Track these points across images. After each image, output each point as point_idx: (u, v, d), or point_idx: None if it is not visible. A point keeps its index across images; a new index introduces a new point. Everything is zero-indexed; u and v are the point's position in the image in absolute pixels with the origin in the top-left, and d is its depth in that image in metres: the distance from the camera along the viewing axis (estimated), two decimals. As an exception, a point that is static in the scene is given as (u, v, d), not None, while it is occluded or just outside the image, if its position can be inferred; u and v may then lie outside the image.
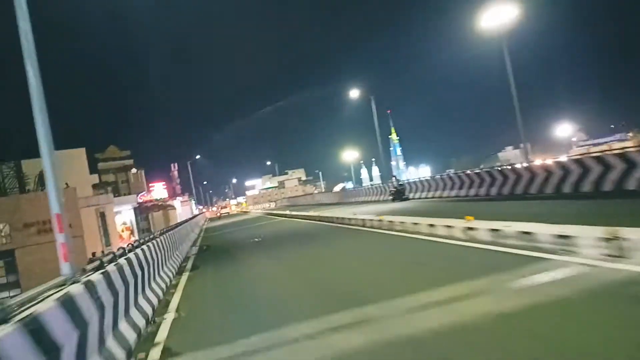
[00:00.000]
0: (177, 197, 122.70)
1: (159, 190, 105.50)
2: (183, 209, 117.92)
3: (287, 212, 34.47)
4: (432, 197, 25.53)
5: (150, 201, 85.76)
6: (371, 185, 49.49)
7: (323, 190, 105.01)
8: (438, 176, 26.57)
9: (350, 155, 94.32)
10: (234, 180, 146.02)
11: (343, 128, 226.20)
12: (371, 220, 15.70)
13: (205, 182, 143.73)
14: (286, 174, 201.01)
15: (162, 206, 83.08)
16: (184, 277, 12.64)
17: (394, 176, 31.00)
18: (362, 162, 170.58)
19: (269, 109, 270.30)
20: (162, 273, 10.98)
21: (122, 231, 65.79)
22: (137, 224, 67.47)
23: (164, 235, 14.61)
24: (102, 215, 57.00)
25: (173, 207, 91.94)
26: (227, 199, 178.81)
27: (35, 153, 9.00)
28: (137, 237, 66.03)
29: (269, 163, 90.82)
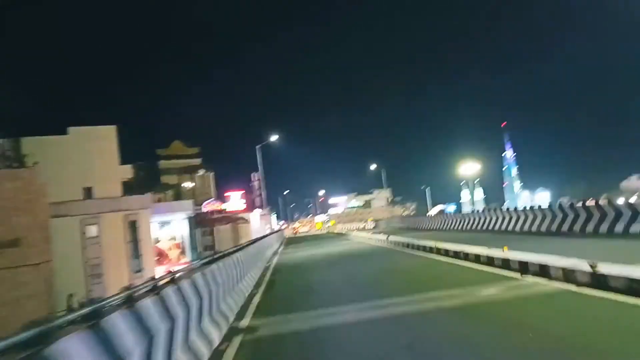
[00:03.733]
0: (256, 210, 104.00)
1: (235, 201, 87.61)
2: (262, 223, 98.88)
3: (509, 253, 11.14)
4: None
5: (219, 211, 65.96)
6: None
7: (421, 212, 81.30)
8: None
9: (467, 169, 70.33)
10: (322, 192, 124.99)
11: (439, 147, 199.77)
12: None
13: (287, 191, 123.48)
14: (371, 193, 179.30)
15: (231, 218, 63.06)
16: None
17: None
18: (462, 182, 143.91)
19: (357, 124, 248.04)
20: None
21: (169, 249, 46.40)
22: (193, 239, 47.78)
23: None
24: (133, 226, 37.25)
25: (245, 221, 72.11)
26: (311, 215, 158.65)
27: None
28: (189, 258, 45.77)
29: (373, 166, 69.87)
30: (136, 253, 36.59)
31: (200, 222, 60.34)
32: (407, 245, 18.95)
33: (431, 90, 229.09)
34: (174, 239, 45.75)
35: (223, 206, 70.45)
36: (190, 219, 47.38)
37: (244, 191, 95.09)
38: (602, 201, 17.26)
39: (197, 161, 65.16)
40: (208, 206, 62.76)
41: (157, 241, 44.63)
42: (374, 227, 60.93)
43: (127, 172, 37.44)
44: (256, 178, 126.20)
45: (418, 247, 17.41)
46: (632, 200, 17.40)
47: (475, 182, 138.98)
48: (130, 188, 39.87)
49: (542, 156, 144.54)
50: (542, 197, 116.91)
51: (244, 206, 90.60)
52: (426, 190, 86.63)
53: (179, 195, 62.19)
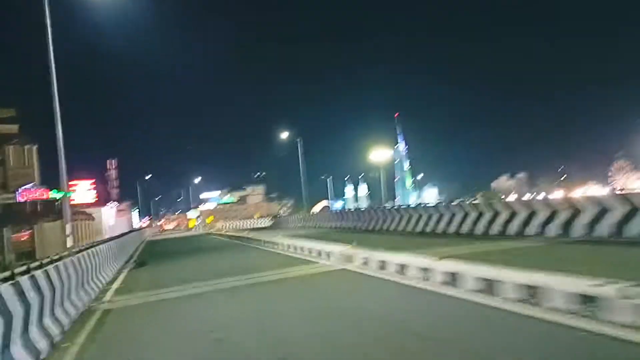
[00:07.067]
0: (110, 204, 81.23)
1: (83, 192, 65.71)
2: (118, 221, 76.74)
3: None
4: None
5: (51, 202, 43.78)
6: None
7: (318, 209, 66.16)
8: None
9: (379, 155, 56.58)
10: (197, 180, 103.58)
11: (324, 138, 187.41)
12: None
13: (149, 176, 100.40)
14: (244, 189, 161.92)
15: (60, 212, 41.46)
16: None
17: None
18: (347, 178, 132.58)
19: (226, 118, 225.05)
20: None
21: None
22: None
23: None
24: None
25: (89, 216, 50.67)
26: (180, 210, 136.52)
27: None
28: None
29: (285, 135, 49.44)
30: None
31: (12, 217, 38.73)
32: None
33: (311, 81, 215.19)
34: None
35: (53, 194, 48.40)
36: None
37: (94, 180, 72.70)
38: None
39: (11, 128, 42.29)
40: (24, 195, 40.73)
41: None
42: (270, 226, 43.79)
43: None
44: (113, 166, 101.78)
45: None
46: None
47: (360, 177, 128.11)
48: None
49: (430, 152, 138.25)
50: (431, 195, 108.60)
51: (94, 198, 68.86)
52: (328, 181, 71.17)
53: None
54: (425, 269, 7.57)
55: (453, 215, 16.97)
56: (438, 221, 17.74)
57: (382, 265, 8.85)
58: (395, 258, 8.75)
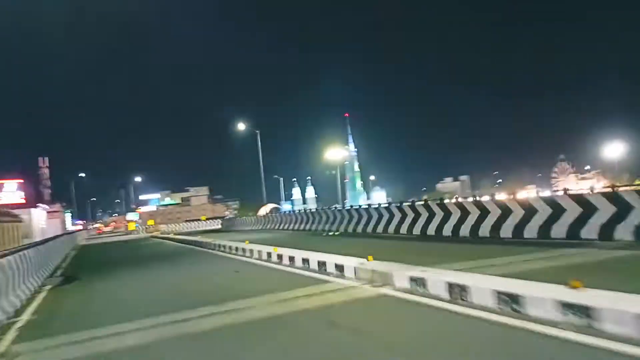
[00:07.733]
0: (42, 205, 74.78)
1: (10, 192, 61.07)
2: (50, 223, 70.72)
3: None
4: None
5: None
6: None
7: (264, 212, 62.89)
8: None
9: (336, 153, 54.73)
10: (137, 179, 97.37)
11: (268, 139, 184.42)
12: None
13: (82, 175, 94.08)
14: (187, 190, 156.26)
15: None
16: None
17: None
18: (294, 179, 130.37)
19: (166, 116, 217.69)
20: None
21: None
22: None
23: None
24: None
25: (16, 219, 45.20)
26: (116, 214, 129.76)
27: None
28: None
29: (242, 127, 44.95)
30: None
31: None
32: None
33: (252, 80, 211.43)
34: None
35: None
36: None
37: (22, 180, 67.25)
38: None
39: None
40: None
41: None
42: (222, 228, 40.54)
43: None
44: (45, 164, 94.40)
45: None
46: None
47: (308, 179, 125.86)
48: None
49: (379, 153, 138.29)
50: (379, 197, 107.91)
51: (22, 198, 63.75)
52: (280, 181, 68.33)
53: None
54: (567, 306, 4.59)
55: (433, 215, 14.74)
56: (414, 221, 15.45)
57: (458, 292, 5.86)
58: (483, 281, 5.75)
